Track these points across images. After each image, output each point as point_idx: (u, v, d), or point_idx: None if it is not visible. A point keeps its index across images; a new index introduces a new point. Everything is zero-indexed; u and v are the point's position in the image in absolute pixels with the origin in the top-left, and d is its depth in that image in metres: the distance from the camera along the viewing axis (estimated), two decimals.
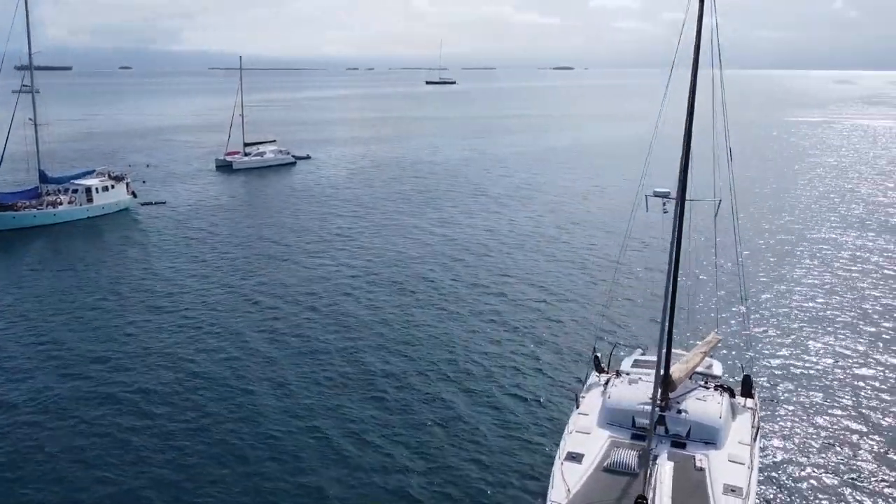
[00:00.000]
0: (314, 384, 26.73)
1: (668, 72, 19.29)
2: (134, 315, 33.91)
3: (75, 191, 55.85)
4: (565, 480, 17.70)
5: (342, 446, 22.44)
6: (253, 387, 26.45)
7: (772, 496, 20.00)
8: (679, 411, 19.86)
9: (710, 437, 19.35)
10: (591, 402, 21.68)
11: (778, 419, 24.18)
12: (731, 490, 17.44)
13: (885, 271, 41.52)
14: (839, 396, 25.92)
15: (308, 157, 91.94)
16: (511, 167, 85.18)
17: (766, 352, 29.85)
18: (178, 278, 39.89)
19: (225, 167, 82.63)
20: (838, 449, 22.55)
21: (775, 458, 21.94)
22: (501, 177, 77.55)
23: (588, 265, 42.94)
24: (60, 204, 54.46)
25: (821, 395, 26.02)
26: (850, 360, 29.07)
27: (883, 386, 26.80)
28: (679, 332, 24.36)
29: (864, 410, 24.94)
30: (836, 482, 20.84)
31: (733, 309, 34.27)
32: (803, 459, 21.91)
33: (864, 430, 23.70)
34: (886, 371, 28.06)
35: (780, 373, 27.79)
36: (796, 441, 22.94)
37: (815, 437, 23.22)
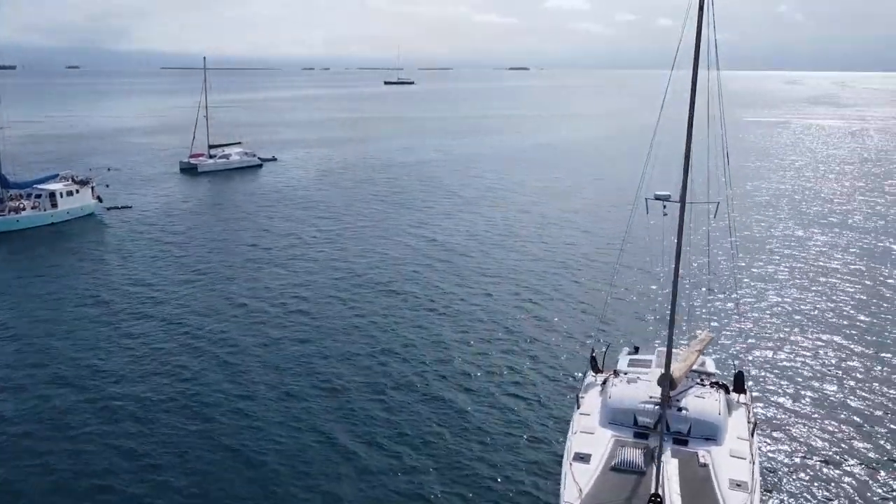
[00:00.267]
0: (312, 388, 26.51)
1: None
2: (112, 322, 33.08)
3: (39, 196, 54.09)
4: (576, 481, 17.86)
5: (346, 448, 22.36)
6: (249, 392, 26.12)
7: (772, 488, 20.53)
8: (679, 409, 20.17)
9: (710, 434, 19.73)
10: (592, 401, 21.92)
11: (771, 413, 24.87)
12: (737, 485, 17.81)
13: (859, 267, 43.04)
14: (829, 390, 26.77)
15: (274, 160, 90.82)
16: (484, 167, 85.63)
17: (756, 348, 30.57)
18: (152, 284, 39.00)
19: (189, 170, 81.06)
20: (831, 440, 23.30)
21: (772, 451, 22.55)
22: (474, 177, 77.84)
23: (576, 265, 43.35)
24: (23, 209, 52.72)
25: (810, 388, 26.83)
26: (838, 354, 30.02)
27: (870, 376, 27.80)
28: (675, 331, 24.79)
29: (852, 401, 25.83)
30: (832, 472, 21.54)
31: (723, 307, 35.08)
32: (799, 452, 22.57)
33: (855, 419, 24.56)
34: (872, 362, 29.08)
35: (770, 368, 28.52)
36: (790, 434, 23.64)
37: (807, 429, 23.94)
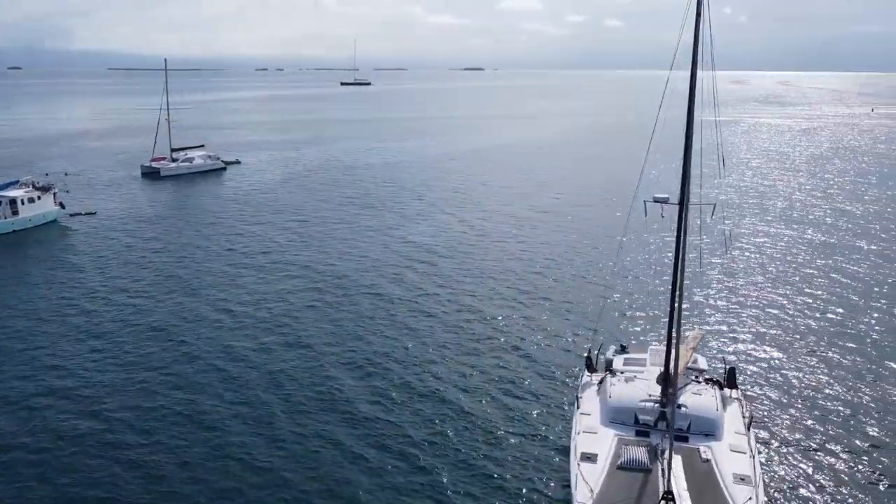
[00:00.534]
0: (310, 391, 26.37)
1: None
2: (89, 330, 32.28)
3: None
4: (586, 481, 18.11)
5: (352, 451, 22.35)
6: (245, 397, 25.85)
7: (770, 480, 21.14)
8: (679, 406, 20.64)
9: (709, 430, 20.23)
10: (591, 401, 22.25)
11: (762, 408, 25.59)
12: (741, 479, 18.28)
13: (834, 264, 44.53)
14: (817, 383, 27.63)
15: (238, 162, 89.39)
16: (455, 168, 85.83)
17: (745, 345, 31.24)
18: (127, 291, 38.18)
19: (151, 174, 79.20)
20: (823, 431, 24.11)
21: (766, 444, 23.22)
22: (445, 178, 77.96)
23: (570, 266, 43.71)
24: None
25: (799, 383, 27.63)
26: (825, 348, 30.96)
27: (856, 368, 28.82)
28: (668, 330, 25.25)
29: (841, 393, 26.76)
30: (825, 461, 22.32)
31: (711, 304, 35.87)
32: (792, 444, 23.30)
33: (845, 410, 25.46)
34: (857, 354, 30.10)
35: (759, 364, 29.23)
36: (782, 427, 24.39)
37: (798, 421, 24.72)
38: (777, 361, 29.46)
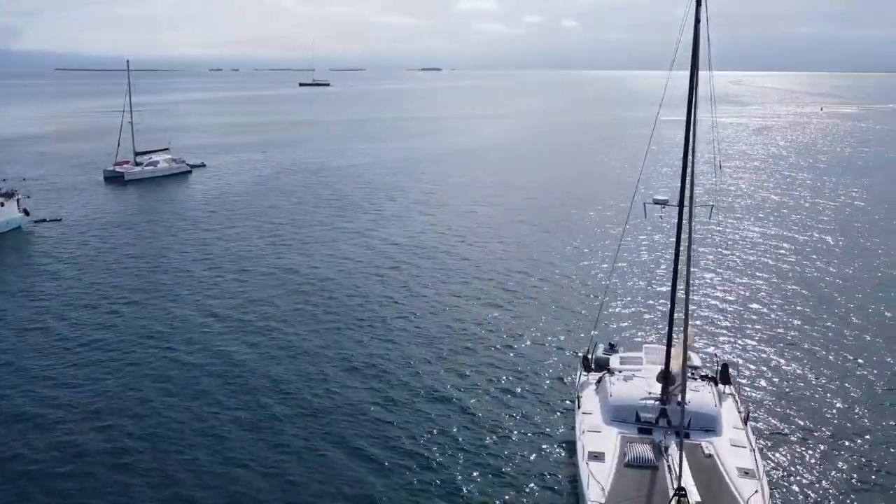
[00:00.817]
0: (309, 394, 26.14)
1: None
2: (68, 342, 31.47)
3: None
4: (597, 480, 18.30)
5: (357, 451, 22.29)
6: (244, 403, 25.53)
7: (770, 473, 21.63)
8: (678, 403, 21.02)
9: (709, 425, 20.64)
10: (591, 400, 22.50)
11: (755, 402, 26.16)
12: (745, 473, 18.67)
13: (823, 261, 45.69)
14: (808, 378, 28.32)
15: (203, 165, 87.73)
16: (431, 168, 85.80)
17: (736, 341, 31.83)
18: (108, 295, 37.32)
19: (115, 178, 77.21)
20: (816, 424, 24.76)
21: (763, 437, 23.76)
22: (422, 178, 77.89)
23: (564, 267, 43.97)
24: None
25: (790, 377, 28.27)
26: (814, 341, 31.77)
27: (843, 360, 29.65)
28: (665, 328, 25.61)
29: (831, 386, 27.49)
30: (822, 453, 22.96)
31: (700, 302, 36.55)
32: (787, 436, 23.85)
33: (836, 403, 26.21)
34: (844, 350, 30.89)
35: (750, 360, 29.84)
36: (776, 420, 25.00)
37: (792, 414, 25.33)
38: (766, 357, 30.19)
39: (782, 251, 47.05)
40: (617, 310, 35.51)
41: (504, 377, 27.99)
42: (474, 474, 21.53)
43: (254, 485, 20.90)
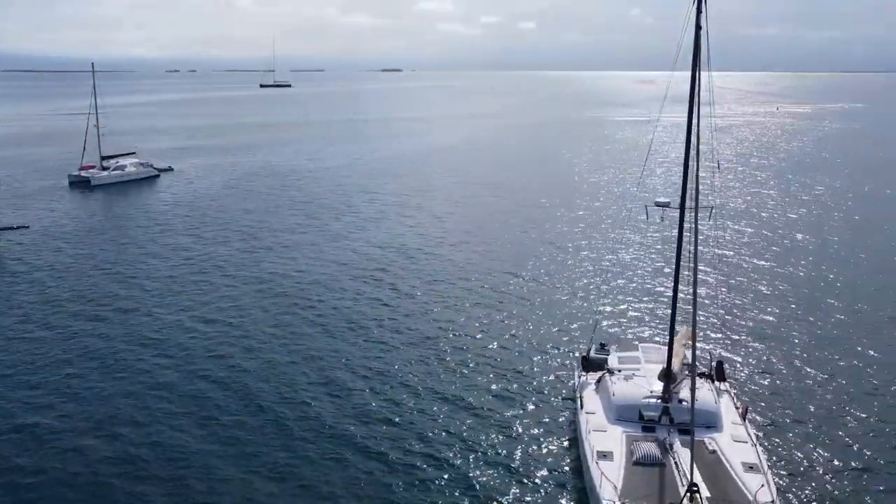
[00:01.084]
0: (309, 396, 26.06)
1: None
2: (57, 349, 30.83)
3: None
4: (609, 479, 18.59)
5: (367, 452, 22.35)
6: (243, 406, 25.37)
7: (772, 466, 22.25)
8: (680, 401, 21.48)
9: (710, 422, 21.11)
10: (593, 400, 22.86)
11: (750, 398, 26.78)
12: (749, 467, 19.12)
13: (814, 260, 46.80)
14: (801, 373, 28.92)
15: (170, 170, 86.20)
16: (402, 170, 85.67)
17: (728, 339, 32.36)
18: (86, 307, 36.52)
19: (81, 183, 75.35)
20: (813, 417, 25.37)
21: (761, 432, 24.38)
22: (395, 180, 77.60)
23: (560, 269, 44.16)
24: None
25: (784, 374, 28.83)
26: (806, 338, 32.39)
27: (836, 357, 30.27)
28: (664, 327, 26.14)
29: (825, 379, 28.18)
30: (819, 445, 23.62)
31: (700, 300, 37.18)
32: (786, 430, 24.35)
33: (828, 397, 26.87)
34: (834, 346, 31.55)
35: (744, 357, 30.39)
36: (774, 414, 25.56)
37: (788, 409, 25.93)
38: (760, 353, 30.70)
39: (773, 250, 47.92)
40: (616, 310, 35.93)
41: (504, 377, 28.26)
42: (482, 472, 21.76)
43: (263, 490, 20.82)
